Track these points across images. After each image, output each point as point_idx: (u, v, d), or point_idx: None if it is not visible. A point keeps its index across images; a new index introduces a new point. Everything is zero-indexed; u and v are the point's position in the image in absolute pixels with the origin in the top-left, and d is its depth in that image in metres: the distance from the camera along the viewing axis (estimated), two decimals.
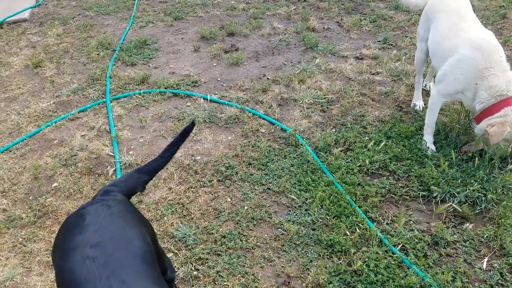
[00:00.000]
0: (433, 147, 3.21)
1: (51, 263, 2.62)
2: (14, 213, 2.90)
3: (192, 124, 2.02)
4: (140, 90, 4.29)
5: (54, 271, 1.57)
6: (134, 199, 2.97)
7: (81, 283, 1.35)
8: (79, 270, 1.39)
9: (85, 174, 3.25)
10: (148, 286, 1.42)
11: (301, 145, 3.38)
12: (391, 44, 5.03)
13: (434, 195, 2.82)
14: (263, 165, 3.22)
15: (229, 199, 3.01)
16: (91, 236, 1.49)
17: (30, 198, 3.04)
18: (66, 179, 3.19)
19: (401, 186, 2.97)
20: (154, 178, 2.12)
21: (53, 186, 3.12)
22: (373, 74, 4.44)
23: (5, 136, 3.77)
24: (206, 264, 2.53)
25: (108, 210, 1.62)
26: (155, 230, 2.05)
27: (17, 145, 3.61)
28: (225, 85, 4.43)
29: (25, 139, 3.68)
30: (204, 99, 4.12)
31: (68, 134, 3.73)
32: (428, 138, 3.23)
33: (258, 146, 3.40)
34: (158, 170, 2.04)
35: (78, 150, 3.50)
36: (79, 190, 3.06)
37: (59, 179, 3.18)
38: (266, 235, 2.74)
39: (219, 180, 3.14)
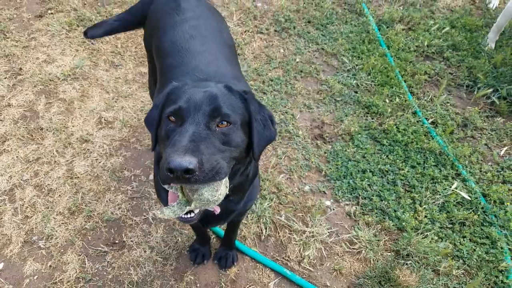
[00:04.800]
0: (492, 45, 3.76)
1: (116, 64, 3.43)
2: (84, 13, 3.66)
3: None
4: None
5: (153, 44, 2.27)
6: None
7: (181, 50, 2.04)
8: (180, 41, 2.08)
9: None
10: (234, 67, 2.11)
11: (365, 15, 3.96)
12: None
13: (478, 85, 3.47)
14: (322, 26, 3.86)
15: (282, 50, 3.68)
16: (189, 19, 2.14)
17: (98, 4, 3.75)
18: None
19: (450, 73, 3.62)
20: None
21: None
22: None
23: None
24: None
25: (198, 2, 2.26)
26: None
27: None
28: None
29: None
30: None
31: None
32: (492, 36, 3.76)
33: (321, 6, 3.99)
34: None
35: None
36: None
37: None
38: (310, 88, 3.46)
39: (276, 31, 3.80)
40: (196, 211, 1.44)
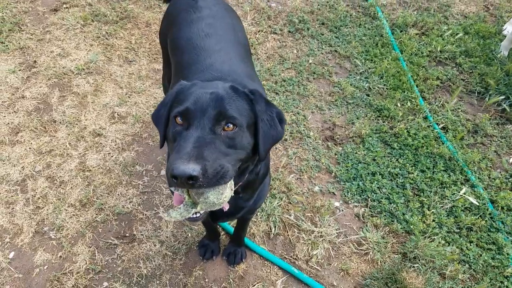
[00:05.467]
0: (506, 53, 3.83)
1: (130, 59, 3.52)
2: (98, 9, 3.76)
3: None
4: None
5: (166, 43, 2.34)
6: None
7: (196, 48, 2.11)
8: (195, 38, 2.15)
9: None
10: (248, 66, 2.19)
11: (379, 18, 4.04)
12: None
13: (490, 92, 3.54)
14: (336, 28, 3.94)
15: (295, 51, 3.75)
16: (206, 17, 2.21)
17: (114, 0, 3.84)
18: None
19: (462, 79, 3.69)
20: None
21: None
22: None
23: None
24: None
25: (216, 0, 2.33)
26: None
27: None
28: None
29: None
30: None
31: None
32: (506, 44, 3.82)
33: (336, 9, 4.07)
34: None
35: None
36: (159, 5, 3.84)
37: None
38: (322, 89, 3.53)
39: (289, 31, 3.88)
40: (202, 211, 1.49)
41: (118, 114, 3.22)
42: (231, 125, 1.46)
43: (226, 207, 1.69)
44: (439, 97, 3.56)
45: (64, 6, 3.84)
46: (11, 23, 3.73)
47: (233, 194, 1.53)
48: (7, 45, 3.58)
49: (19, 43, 3.60)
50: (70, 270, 2.48)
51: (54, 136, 3.06)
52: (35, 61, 3.50)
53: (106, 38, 3.65)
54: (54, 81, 3.38)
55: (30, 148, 2.98)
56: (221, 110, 1.45)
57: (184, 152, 1.33)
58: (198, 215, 1.49)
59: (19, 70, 3.43)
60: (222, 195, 1.44)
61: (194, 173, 1.28)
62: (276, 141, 1.64)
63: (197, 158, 1.31)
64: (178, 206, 1.47)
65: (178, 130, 1.47)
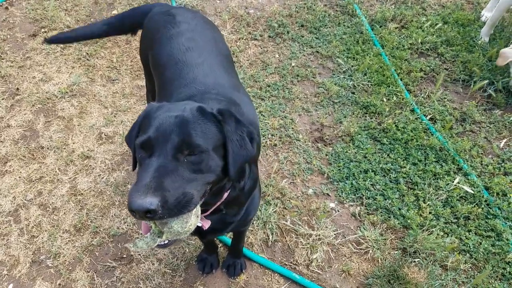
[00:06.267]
0: (486, 39, 3.81)
1: (113, 78, 3.45)
2: None
3: None
4: None
5: (147, 61, 2.29)
6: None
7: (178, 62, 2.06)
8: (176, 53, 2.10)
9: None
10: (232, 77, 2.13)
11: (357, 15, 4.01)
12: None
13: (474, 79, 3.51)
14: (315, 29, 3.89)
15: (277, 55, 3.71)
16: (185, 31, 2.17)
17: (92, 20, 3.77)
18: (125, 8, 3.89)
19: (445, 68, 3.66)
20: None
21: (112, 13, 3.84)
22: None
23: None
24: None
25: (193, 14, 2.31)
26: None
27: None
28: None
29: None
30: None
31: None
32: (486, 30, 3.79)
33: (314, 10, 4.03)
34: None
35: None
36: None
37: (118, 7, 3.91)
38: (307, 91, 3.49)
39: (269, 36, 3.83)
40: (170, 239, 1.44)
41: (105, 135, 3.15)
42: (195, 151, 1.39)
43: (206, 225, 1.64)
44: (424, 88, 3.53)
45: (43, 30, 3.77)
46: None
47: (199, 222, 1.47)
48: None
49: (0, 72, 3.52)
50: None
51: (43, 162, 2.98)
52: (17, 89, 3.43)
53: (87, 59, 3.58)
54: (39, 107, 3.30)
55: (19, 177, 2.91)
56: (184, 137, 1.38)
57: (142, 184, 1.27)
58: (166, 241, 1.42)
59: (2, 99, 3.35)
60: (187, 224, 1.38)
61: (151, 207, 1.22)
62: (246, 160, 1.57)
63: (156, 190, 1.25)
64: (145, 236, 1.41)
65: (143, 157, 1.41)
